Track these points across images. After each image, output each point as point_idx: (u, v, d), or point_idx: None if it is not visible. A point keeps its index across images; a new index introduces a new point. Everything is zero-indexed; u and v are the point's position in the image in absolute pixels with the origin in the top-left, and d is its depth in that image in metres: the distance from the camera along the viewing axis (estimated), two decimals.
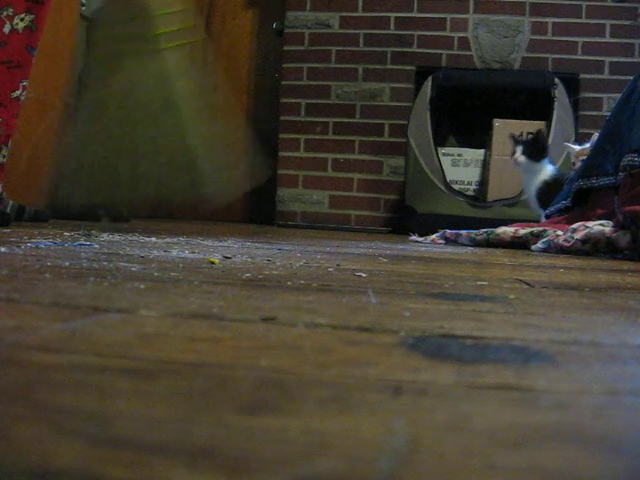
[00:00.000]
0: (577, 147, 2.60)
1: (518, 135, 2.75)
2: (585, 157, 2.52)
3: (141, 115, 1.84)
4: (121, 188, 1.87)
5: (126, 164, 1.84)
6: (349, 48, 3.47)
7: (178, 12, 1.93)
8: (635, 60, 3.28)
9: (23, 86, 1.81)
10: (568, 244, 1.90)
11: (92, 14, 1.96)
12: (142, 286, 0.67)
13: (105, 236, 1.52)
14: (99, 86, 1.87)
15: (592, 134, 2.56)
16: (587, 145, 2.55)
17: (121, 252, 1.09)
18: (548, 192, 2.51)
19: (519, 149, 2.62)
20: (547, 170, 2.60)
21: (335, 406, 0.30)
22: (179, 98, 1.83)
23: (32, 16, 1.78)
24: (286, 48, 3.52)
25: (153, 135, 1.81)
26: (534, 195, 2.59)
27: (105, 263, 0.89)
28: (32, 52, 1.81)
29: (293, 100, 3.51)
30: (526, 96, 3.33)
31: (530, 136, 2.71)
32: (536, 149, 2.61)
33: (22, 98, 1.83)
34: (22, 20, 1.76)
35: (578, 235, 1.90)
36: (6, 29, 1.75)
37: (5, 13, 1.74)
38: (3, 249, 1.02)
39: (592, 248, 1.88)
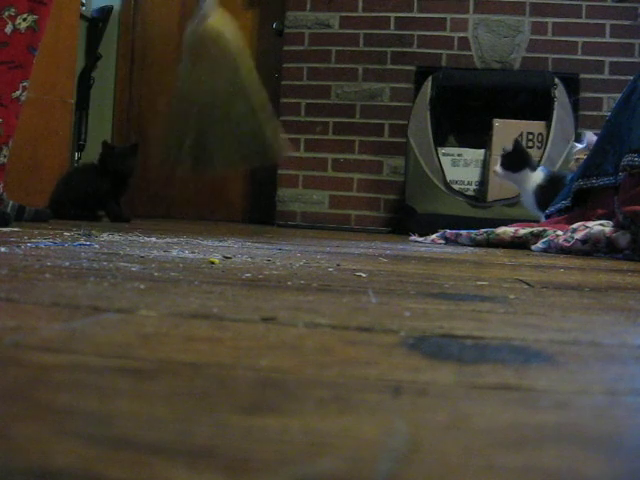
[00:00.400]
0: (579, 146, 2.62)
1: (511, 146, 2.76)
2: (577, 157, 2.54)
3: (221, 104, 2.45)
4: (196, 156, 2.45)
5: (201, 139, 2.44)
6: (349, 48, 3.47)
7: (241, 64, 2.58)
8: (635, 60, 3.28)
9: (23, 86, 1.81)
10: (568, 244, 1.90)
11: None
12: (142, 286, 0.67)
13: (105, 236, 1.52)
14: (191, 83, 2.50)
15: (593, 134, 2.57)
16: (581, 146, 2.56)
17: (121, 252, 1.09)
18: (546, 194, 2.52)
19: (499, 161, 2.67)
20: (538, 174, 2.60)
21: (335, 406, 0.30)
22: (247, 90, 2.47)
23: (35, 16, 1.77)
24: (286, 48, 3.52)
25: (230, 117, 2.43)
26: (532, 201, 2.59)
27: (105, 263, 0.89)
28: (33, 52, 1.80)
29: (293, 100, 3.51)
30: (526, 96, 3.33)
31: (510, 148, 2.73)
32: (514, 160, 2.63)
33: (22, 99, 1.82)
34: (25, 20, 1.76)
35: (578, 235, 1.90)
36: (8, 29, 1.74)
37: (7, 13, 1.74)
38: (3, 249, 1.02)
39: (592, 248, 1.88)
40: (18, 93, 1.79)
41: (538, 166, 2.70)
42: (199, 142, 2.45)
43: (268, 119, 2.53)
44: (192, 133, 2.45)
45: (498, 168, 2.66)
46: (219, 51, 2.60)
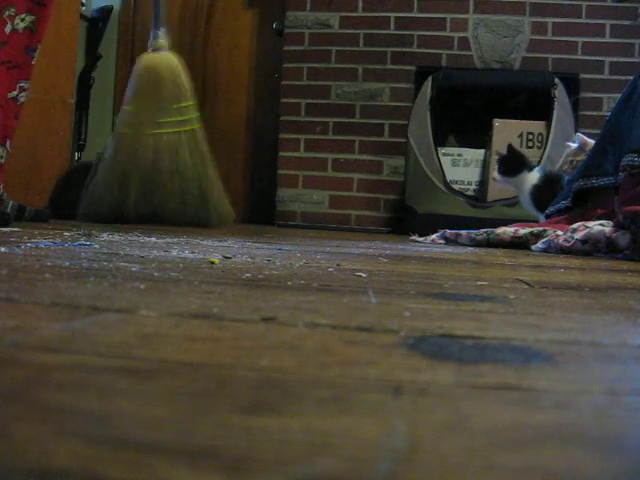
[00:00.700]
0: (573, 145, 2.62)
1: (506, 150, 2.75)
2: (571, 159, 2.54)
3: (149, 176, 2.54)
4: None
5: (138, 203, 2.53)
6: (349, 48, 3.47)
7: (185, 107, 2.67)
8: (635, 60, 3.28)
9: (21, 87, 1.80)
10: (568, 244, 1.90)
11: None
12: (142, 286, 0.67)
13: (105, 236, 1.52)
14: (128, 151, 2.57)
15: (593, 134, 2.57)
16: (574, 145, 2.57)
17: (121, 252, 1.09)
18: (542, 193, 2.52)
19: (496, 167, 2.67)
20: (534, 175, 2.60)
21: (335, 406, 0.30)
22: (182, 164, 2.58)
23: (33, 17, 1.77)
24: (286, 48, 3.52)
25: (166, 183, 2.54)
26: (529, 201, 2.59)
27: (105, 263, 0.89)
28: (31, 53, 1.80)
29: (293, 100, 3.51)
30: (526, 96, 3.34)
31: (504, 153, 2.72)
32: (509, 165, 2.63)
33: (21, 99, 1.82)
34: (22, 20, 1.75)
35: (578, 235, 1.90)
36: (7, 29, 1.74)
37: (7, 13, 1.74)
38: (3, 249, 1.02)
39: (592, 248, 1.88)
40: (15, 93, 1.79)
41: (535, 166, 2.69)
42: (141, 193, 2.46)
43: (211, 182, 2.58)
44: (133, 184, 2.47)
45: (496, 175, 2.66)
46: (156, 89, 2.60)
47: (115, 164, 2.54)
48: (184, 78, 2.69)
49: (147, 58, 2.68)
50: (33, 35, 1.78)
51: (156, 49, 2.67)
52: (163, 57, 2.67)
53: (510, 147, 2.68)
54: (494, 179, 2.70)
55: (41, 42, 1.82)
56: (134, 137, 2.55)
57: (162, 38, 2.68)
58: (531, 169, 2.61)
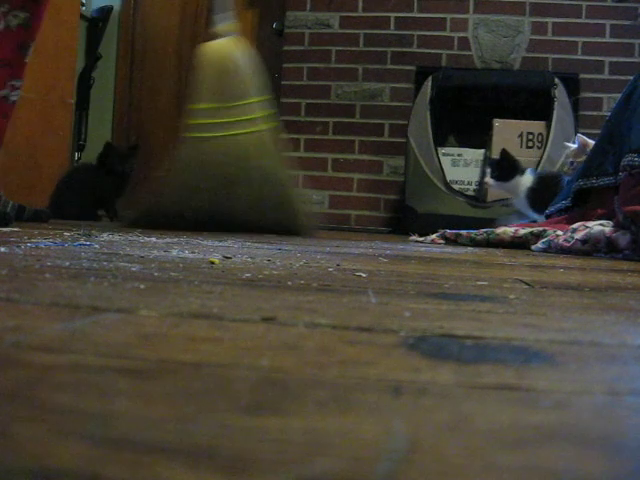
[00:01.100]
0: (572, 146, 2.62)
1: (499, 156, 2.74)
2: (571, 160, 2.55)
3: (219, 183, 2.22)
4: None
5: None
6: (349, 48, 3.47)
7: (258, 102, 2.32)
8: (635, 60, 3.29)
9: (12, 85, 1.78)
10: (568, 244, 1.90)
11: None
12: (142, 286, 0.67)
13: (105, 236, 1.52)
14: (193, 156, 2.26)
15: (593, 134, 2.57)
16: (574, 146, 2.57)
17: (121, 252, 1.09)
18: (538, 195, 2.53)
19: (488, 172, 2.67)
20: (527, 177, 2.61)
21: (335, 406, 0.30)
22: (253, 174, 2.22)
23: (27, 14, 1.74)
24: (286, 48, 3.52)
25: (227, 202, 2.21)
26: (526, 204, 2.60)
27: (105, 263, 0.89)
28: (23, 52, 1.77)
29: (293, 100, 3.51)
30: (526, 96, 3.34)
31: (497, 157, 2.72)
32: (502, 170, 2.63)
33: (12, 98, 1.79)
34: (15, 17, 1.73)
35: (578, 235, 1.90)
36: (0, 26, 1.72)
37: (1, 10, 1.72)
38: (3, 249, 1.02)
39: (592, 248, 1.88)
40: (6, 92, 1.76)
41: (526, 168, 2.70)
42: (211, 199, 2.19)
43: (287, 187, 2.29)
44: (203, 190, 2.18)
45: (490, 180, 2.67)
46: (233, 74, 2.28)
47: (182, 172, 2.27)
48: (250, 69, 2.33)
49: (207, 48, 2.33)
50: (26, 33, 1.75)
51: (216, 37, 2.32)
52: (225, 46, 2.32)
53: (503, 152, 2.68)
54: (487, 184, 2.70)
55: (35, 40, 1.80)
56: (201, 141, 2.27)
57: (223, 22, 2.32)
58: (523, 172, 2.62)
